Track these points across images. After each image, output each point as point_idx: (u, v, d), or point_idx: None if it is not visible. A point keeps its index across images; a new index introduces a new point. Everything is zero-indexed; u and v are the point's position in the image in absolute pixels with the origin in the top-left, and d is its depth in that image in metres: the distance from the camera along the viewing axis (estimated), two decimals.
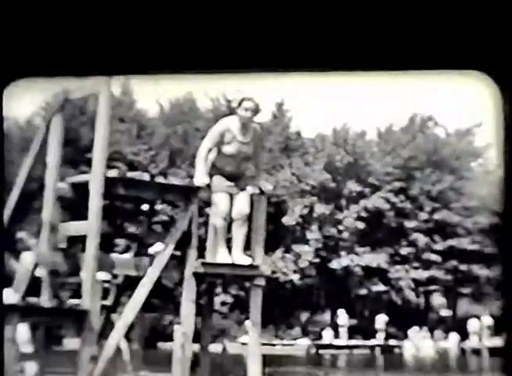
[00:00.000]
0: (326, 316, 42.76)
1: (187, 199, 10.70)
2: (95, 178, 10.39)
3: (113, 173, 10.65)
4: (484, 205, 40.09)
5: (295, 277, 41.82)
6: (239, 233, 10.48)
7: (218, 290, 33.67)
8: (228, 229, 10.67)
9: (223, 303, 38.29)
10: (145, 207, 12.08)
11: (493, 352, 29.89)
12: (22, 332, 11.91)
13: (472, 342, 36.87)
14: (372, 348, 37.42)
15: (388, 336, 39.22)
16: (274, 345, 34.96)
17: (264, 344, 33.09)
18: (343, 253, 43.17)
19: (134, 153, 40.49)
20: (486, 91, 2.91)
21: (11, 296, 11.29)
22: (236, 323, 38.51)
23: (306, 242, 42.76)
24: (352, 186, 43.89)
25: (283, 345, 36.20)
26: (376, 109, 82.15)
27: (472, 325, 37.78)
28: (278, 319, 40.80)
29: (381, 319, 39.60)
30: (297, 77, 3.15)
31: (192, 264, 10.60)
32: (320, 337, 39.08)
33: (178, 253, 11.35)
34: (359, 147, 44.61)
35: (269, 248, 41.46)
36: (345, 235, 43.43)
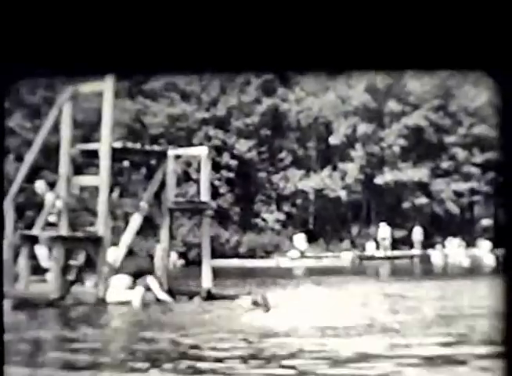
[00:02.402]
0: (373, 229, 42.77)
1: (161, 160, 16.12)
2: (104, 147, 14.54)
3: (117, 144, 15.31)
4: None
5: (342, 193, 41.82)
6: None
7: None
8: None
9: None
10: (126, 163, 16.47)
11: None
12: (42, 253, 14.90)
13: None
14: (411, 257, 37.92)
15: (429, 246, 39.91)
16: (320, 257, 36.32)
17: (311, 256, 34.72)
18: (386, 169, 42.72)
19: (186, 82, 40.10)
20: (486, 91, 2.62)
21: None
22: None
23: (351, 160, 42.49)
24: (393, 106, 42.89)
25: (328, 257, 36.97)
26: None
27: None
28: (328, 234, 41.17)
29: (418, 231, 40.14)
30: None
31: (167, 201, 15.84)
32: (364, 249, 39.64)
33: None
34: None
35: (319, 167, 42.37)
36: (387, 152, 42.90)
